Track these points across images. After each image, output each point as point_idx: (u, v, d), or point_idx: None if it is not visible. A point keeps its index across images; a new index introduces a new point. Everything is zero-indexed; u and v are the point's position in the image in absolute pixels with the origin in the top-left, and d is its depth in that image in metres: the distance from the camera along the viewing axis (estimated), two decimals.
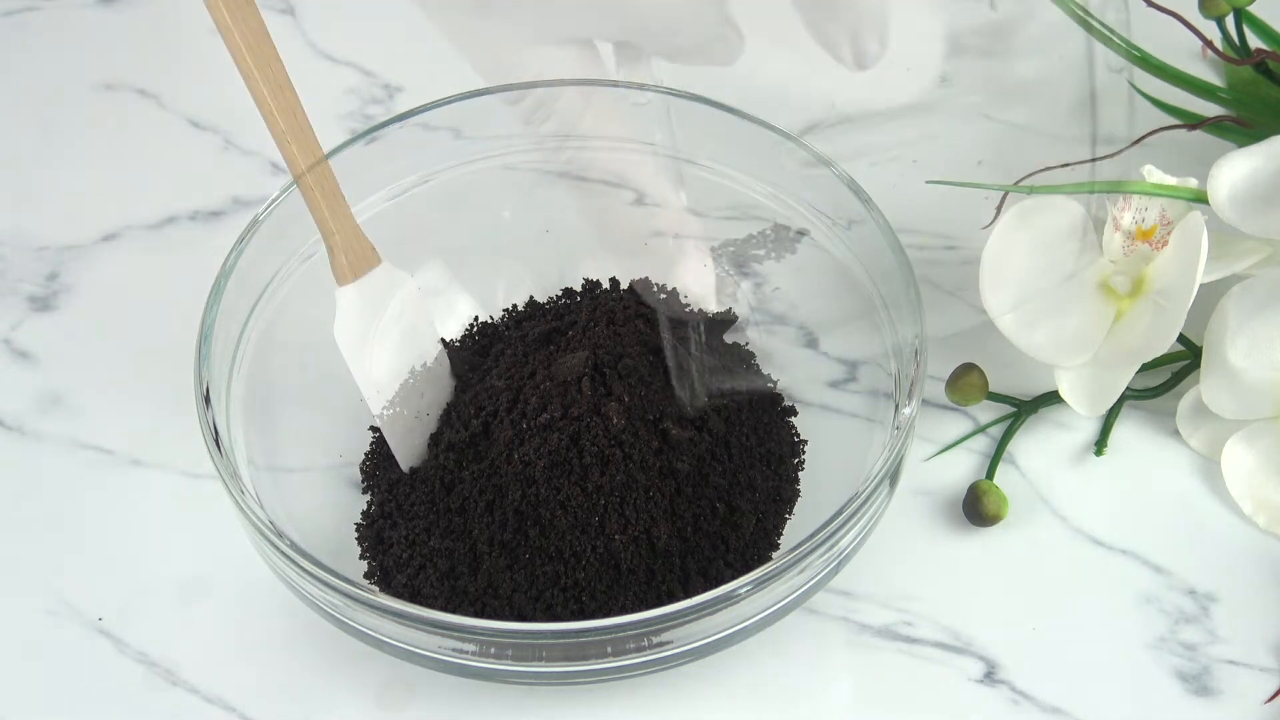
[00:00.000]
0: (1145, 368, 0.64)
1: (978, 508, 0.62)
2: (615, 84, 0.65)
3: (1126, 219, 0.62)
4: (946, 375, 0.64)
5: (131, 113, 0.80)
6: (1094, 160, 0.70)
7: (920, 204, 0.72)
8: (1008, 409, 0.66)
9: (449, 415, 0.62)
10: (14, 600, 0.61)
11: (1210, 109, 0.73)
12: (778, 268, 0.67)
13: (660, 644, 0.53)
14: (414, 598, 0.57)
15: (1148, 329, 0.61)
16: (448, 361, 0.63)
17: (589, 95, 0.59)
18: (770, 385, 0.64)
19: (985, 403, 0.65)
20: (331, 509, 0.61)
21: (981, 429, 0.66)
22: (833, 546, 0.54)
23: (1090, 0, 0.60)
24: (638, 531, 0.57)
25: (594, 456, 0.57)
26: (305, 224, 0.63)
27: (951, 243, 0.73)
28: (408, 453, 0.61)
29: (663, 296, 0.63)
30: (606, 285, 0.65)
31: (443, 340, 0.65)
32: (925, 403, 0.64)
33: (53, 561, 0.62)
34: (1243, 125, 0.69)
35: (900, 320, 0.59)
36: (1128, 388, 0.63)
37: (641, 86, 0.65)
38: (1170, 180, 0.62)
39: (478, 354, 0.64)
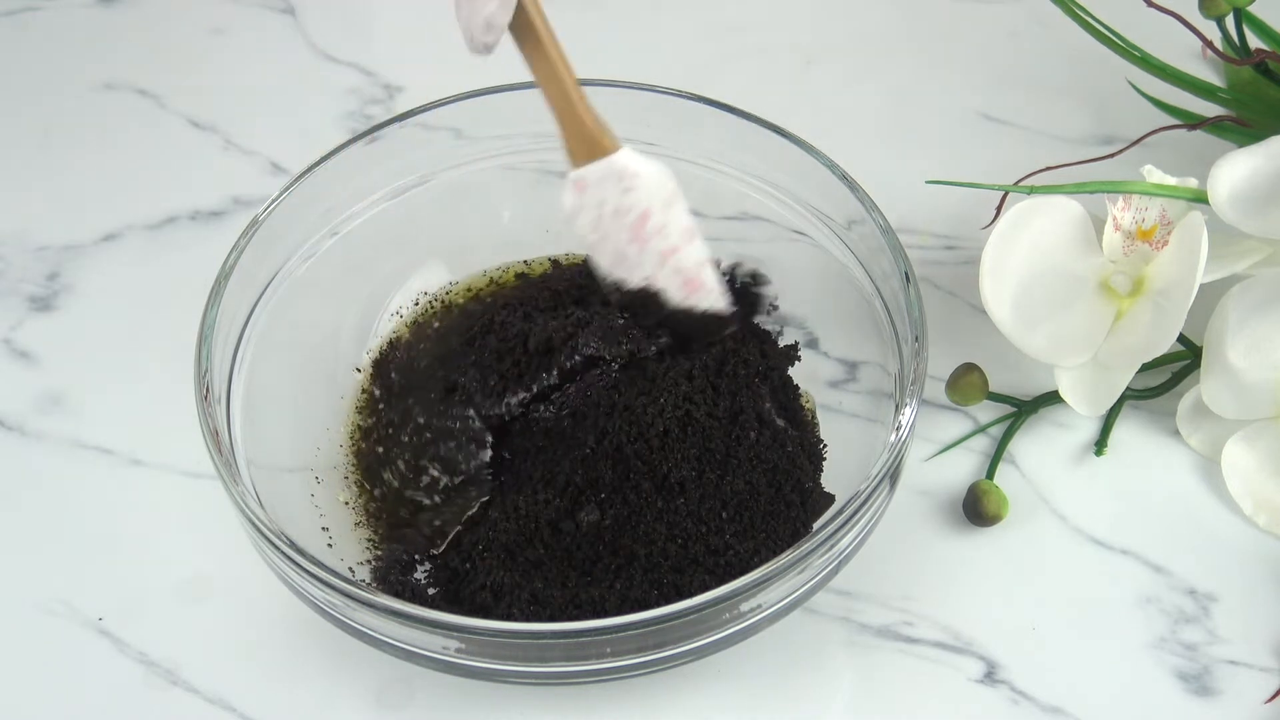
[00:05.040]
0: (1145, 368, 0.64)
1: (978, 508, 0.62)
2: (614, 84, 0.66)
3: (1126, 219, 0.62)
4: (946, 375, 0.64)
5: (131, 113, 0.80)
6: (1094, 160, 0.70)
7: (920, 204, 0.72)
8: (1008, 409, 0.66)
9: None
10: (14, 600, 0.61)
11: (1210, 109, 0.73)
12: (779, 265, 0.67)
13: (660, 644, 0.53)
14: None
15: (1148, 329, 0.61)
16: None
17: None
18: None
19: (985, 403, 0.65)
20: (332, 509, 0.61)
21: (981, 429, 0.66)
22: (833, 546, 0.54)
23: None
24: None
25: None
26: (305, 224, 0.64)
27: (951, 243, 0.73)
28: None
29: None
30: None
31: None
32: (925, 403, 0.64)
33: (53, 561, 0.62)
34: (1243, 125, 0.69)
35: (900, 320, 0.59)
36: (1128, 388, 0.63)
37: (640, 87, 0.65)
38: (1170, 180, 0.62)
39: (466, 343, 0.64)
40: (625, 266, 0.58)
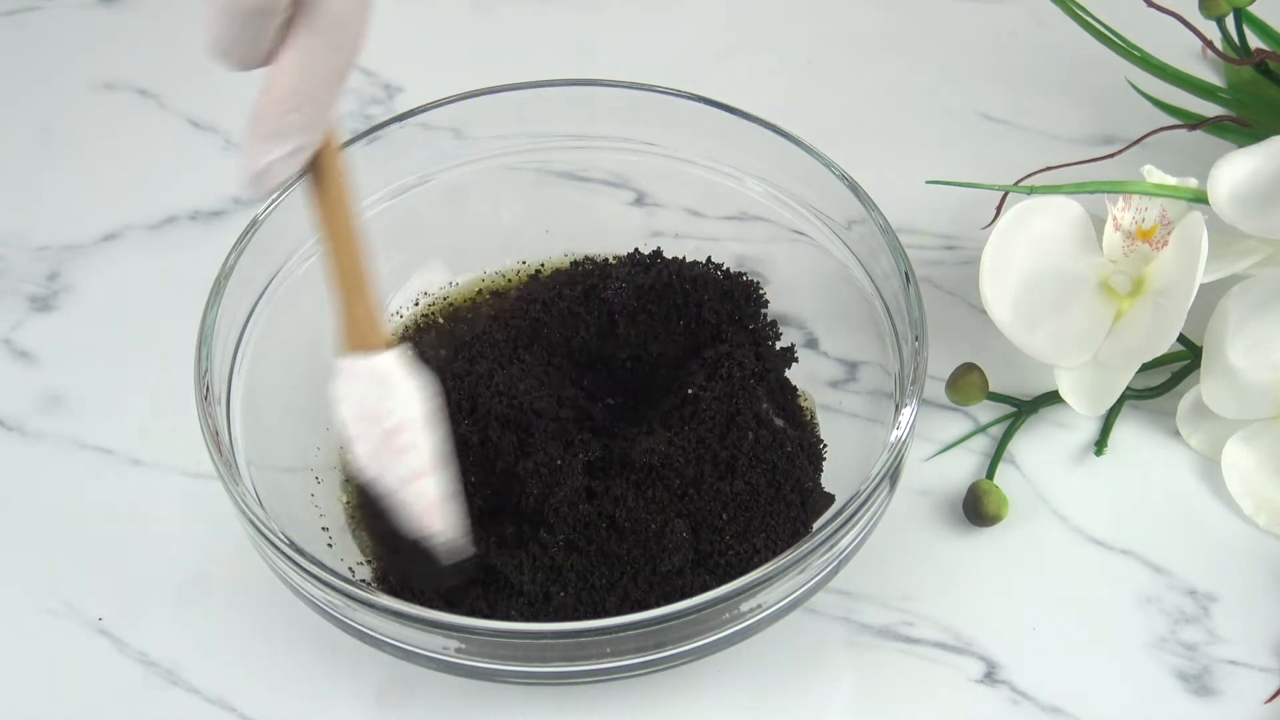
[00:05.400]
0: (1145, 368, 0.64)
1: (978, 508, 0.62)
2: (614, 84, 0.66)
3: (1126, 219, 0.62)
4: (946, 375, 0.64)
5: (131, 113, 0.80)
6: (1094, 160, 0.70)
7: (920, 204, 0.72)
8: (1008, 409, 0.66)
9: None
10: (14, 600, 0.61)
11: (1210, 109, 0.73)
12: (779, 265, 0.67)
13: (660, 644, 0.53)
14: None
15: (1148, 329, 0.61)
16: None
17: None
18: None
19: (985, 403, 0.65)
20: (332, 509, 0.61)
21: (981, 429, 0.66)
22: (833, 546, 0.54)
23: None
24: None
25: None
26: (305, 224, 0.63)
27: (951, 243, 0.73)
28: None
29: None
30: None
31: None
32: (925, 403, 0.64)
33: (53, 561, 0.62)
34: (1243, 125, 0.69)
35: (900, 320, 0.59)
36: (1128, 388, 0.63)
37: (640, 87, 0.65)
38: (1170, 180, 0.62)
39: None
40: (376, 470, 0.54)
